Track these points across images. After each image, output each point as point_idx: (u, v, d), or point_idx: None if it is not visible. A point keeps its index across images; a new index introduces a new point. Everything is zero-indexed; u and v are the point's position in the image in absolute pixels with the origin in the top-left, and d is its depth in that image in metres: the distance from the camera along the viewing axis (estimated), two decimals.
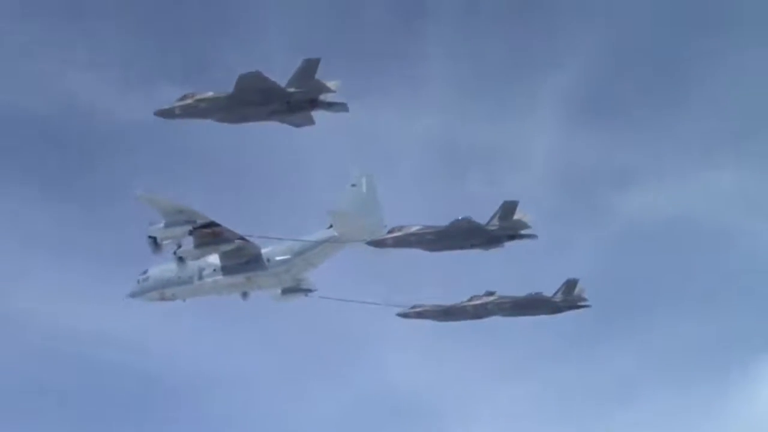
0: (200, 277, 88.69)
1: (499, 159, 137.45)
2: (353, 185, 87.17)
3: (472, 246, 75.41)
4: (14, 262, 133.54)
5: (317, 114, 61.64)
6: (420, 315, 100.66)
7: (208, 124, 63.54)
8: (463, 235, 74.32)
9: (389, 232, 77.87)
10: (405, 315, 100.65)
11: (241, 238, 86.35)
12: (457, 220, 73.35)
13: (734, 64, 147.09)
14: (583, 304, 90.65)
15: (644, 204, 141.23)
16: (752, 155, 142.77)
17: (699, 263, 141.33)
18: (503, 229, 73.87)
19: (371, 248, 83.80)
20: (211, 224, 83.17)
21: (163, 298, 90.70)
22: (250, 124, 63.24)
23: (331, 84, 59.94)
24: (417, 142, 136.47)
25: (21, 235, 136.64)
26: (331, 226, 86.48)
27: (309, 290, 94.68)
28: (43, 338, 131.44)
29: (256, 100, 59.82)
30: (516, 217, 75.98)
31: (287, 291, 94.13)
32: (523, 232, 74.94)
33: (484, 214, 78.31)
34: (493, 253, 77.79)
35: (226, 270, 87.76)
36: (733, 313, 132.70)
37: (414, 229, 76.12)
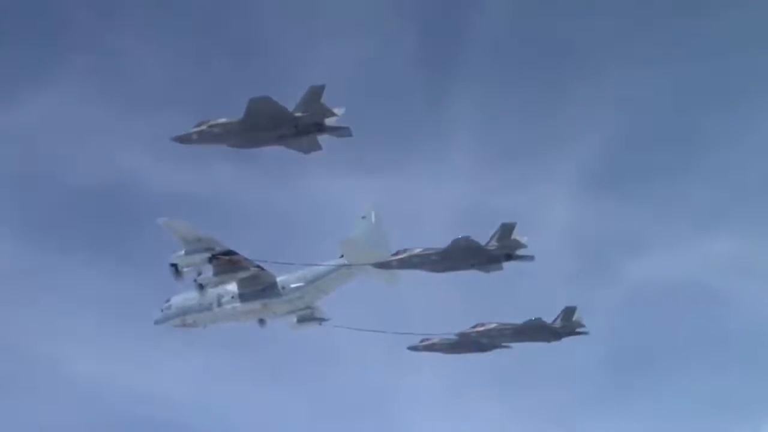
0: (219, 304, 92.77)
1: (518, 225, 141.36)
2: (363, 217, 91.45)
3: (473, 266, 78.36)
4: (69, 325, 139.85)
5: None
6: (429, 348, 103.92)
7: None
8: (463, 255, 77.10)
9: (394, 254, 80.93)
10: (415, 348, 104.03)
11: (258, 266, 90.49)
12: (457, 238, 76.37)
13: (733, 140, 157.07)
14: (581, 330, 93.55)
15: (650, 269, 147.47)
16: (745, 224, 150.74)
17: (700, 325, 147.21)
18: (501, 249, 76.89)
19: (377, 270, 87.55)
20: (229, 252, 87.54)
21: (184, 325, 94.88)
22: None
23: (336, 110, 63.66)
24: (441, 208, 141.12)
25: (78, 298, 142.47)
26: (342, 256, 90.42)
27: (323, 319, 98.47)
28: (98, 398, 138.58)
29: (265, 124, 63.04)
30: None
31: (302, 320, 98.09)
32: (520, 253, 77.94)
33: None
34: (494, 276, 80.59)
35: (243, 297, 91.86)
36: (735, 374, 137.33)
37: (417, 251, 79.21)
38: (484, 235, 77.61)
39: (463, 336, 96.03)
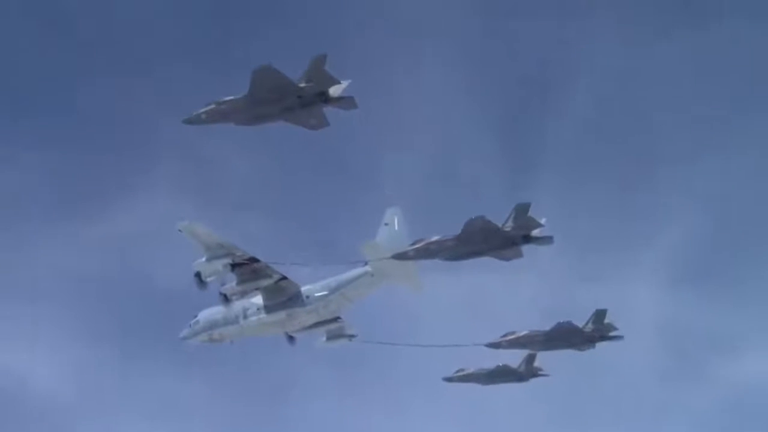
0: (245, 317, 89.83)
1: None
2: (386, 224, 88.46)
3: (490, 250, 74.59)
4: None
5: None
6: (465, 379, 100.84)
7: None
8: (479, 237, 73.02)
9: (411, 244, 78.00)
10: (450, 380, 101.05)
11: (283, 276, 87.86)
12: (472, 219, 72.61)
13: None
14: (615, 334, 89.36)
15: (747, 371, 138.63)
16: None
17: None
18: (517, 229, 72.91)
19: (402, 277, 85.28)
20: (251, 260, 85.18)
21: (211, 339, 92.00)
22: None
23: (342, 81, 61.64)
24: (525, 305, 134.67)
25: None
26: (366, 264, 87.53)
27: (352, 335, 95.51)
28: None
29: (270, 97, 61.50)
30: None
31: (331, 337, 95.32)
32: (538, 234, 73.93)
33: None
34: (515, 264, 76.72)
35: (268, 308, 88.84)
36: None
37: (434, 238, 75.79)
38: None
39: (494, 346, 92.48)
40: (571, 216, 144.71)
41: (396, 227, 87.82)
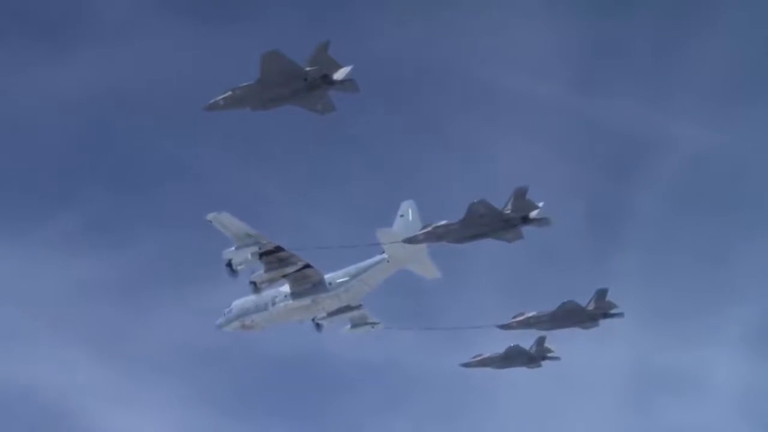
0: (274, 303, 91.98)
1: (684, 389, 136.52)
2: (401, 216, 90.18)
3: (492, 232, 75.00)
4: None
5: None
6: (481, 364, 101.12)
7: None
8: (482, 220, 73.98)
9: (421, 229, 78.95)
10: (467, 365, 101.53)
11: (307, 264, 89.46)
12: (473, 202, 73.20)
13: None
14: (615, 312, 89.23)
15: None
16: None
17: None
18: (516, 211, 73.48)
19: (419, 264, 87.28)
20: (277, 248, 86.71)
21: (243, 326, 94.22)
22: None
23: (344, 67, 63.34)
24: (605, 370, 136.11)
25: None
26: (384, 252, 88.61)
27: (375, 323, 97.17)
28: None
29: (278, 80, 63.59)
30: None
31: (355, 325, 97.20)
32: (536, 215, 74.04)
33: None
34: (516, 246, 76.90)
35: (294, 295, 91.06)
36: None
37: (441, 222, 76.53)
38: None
39: (505, 327, 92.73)
40: (651, 284, 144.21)
41: (410, 218, 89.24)
